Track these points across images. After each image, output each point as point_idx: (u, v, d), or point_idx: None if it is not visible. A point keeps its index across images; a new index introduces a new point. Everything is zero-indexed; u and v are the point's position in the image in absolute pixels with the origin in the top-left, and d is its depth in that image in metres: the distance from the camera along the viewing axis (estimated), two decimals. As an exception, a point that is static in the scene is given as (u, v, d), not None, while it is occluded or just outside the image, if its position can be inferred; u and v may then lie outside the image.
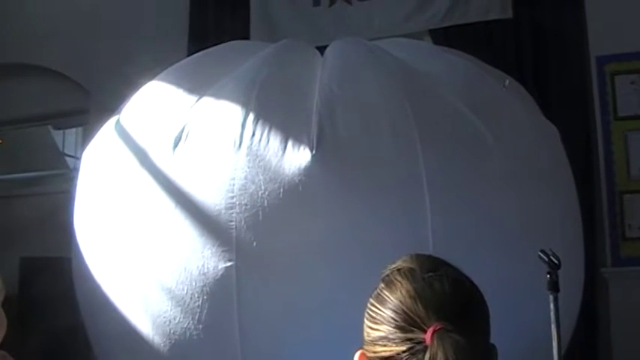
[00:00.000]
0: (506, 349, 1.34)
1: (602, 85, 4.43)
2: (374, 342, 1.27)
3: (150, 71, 3.60)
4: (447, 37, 4.66)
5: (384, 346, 1.25)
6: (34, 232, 5.12)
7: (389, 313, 1.27)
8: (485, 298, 1.34)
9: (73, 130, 6.27)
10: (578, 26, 4.51)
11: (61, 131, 6.32)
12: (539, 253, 2.32)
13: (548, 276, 2.29)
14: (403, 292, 1.28)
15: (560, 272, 2.29)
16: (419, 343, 1.21)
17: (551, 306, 2.29)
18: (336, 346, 2.39)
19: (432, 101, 2.98)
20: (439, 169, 2.75)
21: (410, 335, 1.22)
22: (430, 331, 1.20)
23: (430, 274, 1.30)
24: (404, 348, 1.22)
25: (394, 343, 1.23)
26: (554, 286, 2.29)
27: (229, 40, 3.93)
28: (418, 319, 1.23)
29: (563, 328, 2.39)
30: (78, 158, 5.65)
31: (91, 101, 5.41)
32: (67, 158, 6.33)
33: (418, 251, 1.44)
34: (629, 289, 4.18)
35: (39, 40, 5.67)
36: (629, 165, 4.30)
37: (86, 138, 5.41)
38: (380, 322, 1.27)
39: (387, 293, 1.30)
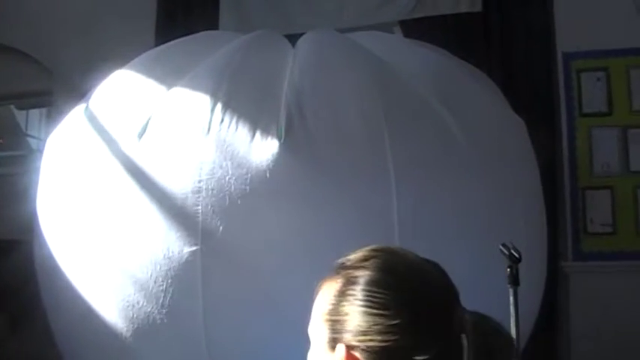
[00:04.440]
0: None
1: (568, 81, 4.46)
2: (381, 332, 1.19)
3: (115, 54, 3.56)
4: (416, 28, 4.65)
5: (402, 333, 1.18)
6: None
7: (403, 295, 1.21)
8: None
9: (37, 110, 6.19)
10: (545, 22, 4.54)
11: (24, 112, 6.22)
12: (500, 247, 2.34)
13: (508, 269, 2.32)
14: (412, 275, 1.25)
15: (522, 265, 2.31)
16: (449, 327, 1.18)
17: (511, 299, 2.32)
18: (301, 330, 2.40)
19: (400, 92, 3.00)
20: (407, 159, 2.78)
21: (436, 318, 1.19)
22: (458, 312, 1.19)
23: (427, 262, 1.29)
24: (430, 335, 1.17)
25: (413, 328, 1.18)
26: (514, 280, 2.31)
27: (197, 22, 3.90)
28: (438, 302, 1.21)
29: (523, 321, 2.41)
30: (41, 139, 5.57)
31: (55, 82, 5.33)
32: (30, 139, 6.24)
33: (384, 238, 1.43)
34: (590, 284, 4.23)
35: (2, 19, 5.57)
36: (592, 161, 4.35)
37: (50, 119, 5.36)
38: (390, 308, 1.20)
39: (392, 280, 1.24)
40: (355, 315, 1.23)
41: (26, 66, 5.51)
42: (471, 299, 1.43)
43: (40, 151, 3.38)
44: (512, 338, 1.21)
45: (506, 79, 4.39)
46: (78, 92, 3.51)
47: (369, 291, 1.24)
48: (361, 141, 2.77)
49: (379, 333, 1.20)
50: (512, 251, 2.33)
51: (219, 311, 2.64)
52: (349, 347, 1.22)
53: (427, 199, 2.76)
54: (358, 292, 1.25)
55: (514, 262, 2.32)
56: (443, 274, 1.28)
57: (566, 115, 4.43)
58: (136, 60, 3.40)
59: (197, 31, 3.84)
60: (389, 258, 1.29)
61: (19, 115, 6.24)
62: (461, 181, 2.85)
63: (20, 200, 3.73)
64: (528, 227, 3.07)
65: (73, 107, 3.38)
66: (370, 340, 1.20)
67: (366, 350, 1.20)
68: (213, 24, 4.91)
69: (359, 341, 1.21)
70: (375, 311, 1.21)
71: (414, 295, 1.22)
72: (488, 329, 1.19)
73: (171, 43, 3.58)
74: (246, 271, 2.63)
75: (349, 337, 1.23)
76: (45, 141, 3.43)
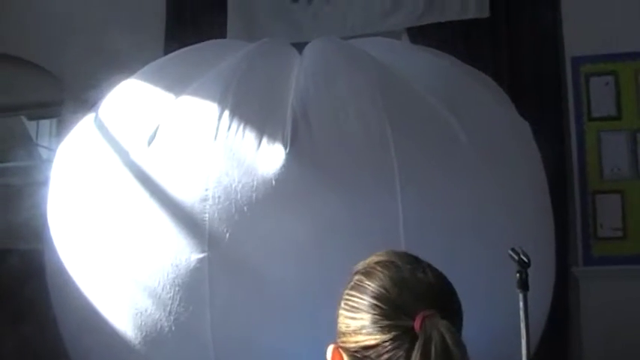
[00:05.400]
0: (474, 343, 1.35)
1: (576, 86, 4.46)
2: (355, 332, 1.26)
3: (125, 63, 3.57)
4: (423, 35, 4.65)
5: (368, 334, 1.24)
6: (5, 224, 5.08)
7: (372, 301, 1.26)
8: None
9: (47, 121, 6.21)
10: (554, 27, 4.53)
11: (35, 122, 6.25)
12: (509, 252, 2.33)
13: (517, 275, 2.31)
14: (386, 281, 1.28)
15: (530, 268, 2.30)
16: (406, 330, 1.21)
17: (521, 304, 2.31)
18: (308, 338, 2.42)
19: (405, 97, 3.02)
20: (411, 164, 2.79)
21: (397, 322, 1.22)
22: (420, 317, 1.20)
23: (412, 265, 1.32)
24: (389, 336, 1.21)
25: (378, 331, 1.23)
26: (523, 285, 2.30)
27: (206, 32, 3.91)
28: (405, 307, 1.23)
29: (533, 324, 2.41)
30: (52, 149, 5.59)
31: (65, 92, 5.36)
32: (41, 149, 6.26)
33: (390, 245, 1.45)
34: (600, 289, 4.21)
35: (13, 29, 5.61)
36: (601, 165, 4.33)
37: (60, 129, 5.38)
38: (361, 311, 1.26)
39: (368, 282, 1.29)
40: (340, 318, 1.31)
41: (36, 76, 5.54)
42: (475, 300, 1.44)
43: (51, 160, 3.40)
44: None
45: (515, 84, 4.39)
46: (88, 102, 3.53)
47: (347, 295, 1.32)
48: (366, 147, 2.79)
49: (352, 334, 1.27)
50: (522, 256, 2.32)
51: (227, 318, 2.65)
52: (337, 347, 1.31)
53: (432, 201, 2.77)
54: (344, 296, 1.33)
55: (523, 267, 2.31)
56: (428, 276, 1.30)
57: (574, 120, 4.42)
58: (144, 69, 3.43)
59: (208, 37, 3.86)
60: (375, 262, 1.34)
61: (30, 126, 6.26)
62: (465, 183, 2.86)
63: (31, 210, 3.75)
64: (535, 228, 3.07)
65: (82, 117, 3.41)
66: (348, 342, 1.28)
67: (346, 350, 1.28)
68: (221, 33, 4.94)
69: (342, 342, 1.30)
70: (348, 314, 1.30)
71: (379, 298, 1.26)
72: (442, 342, 1.18)
73: (178, 52, 3.60)
74: (253, 278, 2.65)
75: (338, 339, 1.31)
76: (55, 151, 3.45)
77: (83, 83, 4.76)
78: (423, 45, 4.21)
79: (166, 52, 4.76)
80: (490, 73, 3.85)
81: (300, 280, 2.60)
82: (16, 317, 4.51)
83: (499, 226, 2.86)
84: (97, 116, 3.23)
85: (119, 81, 3.38)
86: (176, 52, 3.62)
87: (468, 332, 1.30)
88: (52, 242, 3.11)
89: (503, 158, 3.05)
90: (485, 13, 4.58)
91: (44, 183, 3.37)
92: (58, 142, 3.48)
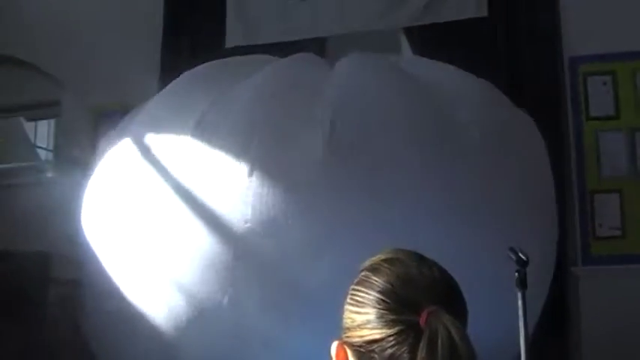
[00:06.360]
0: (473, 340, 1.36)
1: (574, 86, 4.46)
2: (360, 326, 1.26)
3: (122, 66, 3.59)
4: (421, 35, 4.66)
5: (373, 329, 1.23)
6: (4, 225, 5.08)
7: (378, 296, 1.26)
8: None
9: (45, 122, 6.21)
10: (552, 26, 4.53)
11: (33, 123, 6.25)
12: (508, 251, 2.33)
13: (516, 273, 2.30)
14: (392, 276, 1.28)
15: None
16: (411, 325, 1.21)
17: (519, 302, 2.30)
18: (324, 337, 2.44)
19: (425, 102, 3.15)
20: (430, 165, 2.93)
21: (402, 317, 1.22)
22: (425, 313, 1.20)
23: (418, 262, 1.32)
24: (394, 330, 1.21)
25: (383, 325, 1.23)
26: (522, 283, 2.30)
27: (203, 29, 3.92)
28: (410, 302, 1.23)
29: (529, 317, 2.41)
30: (49, 150, 5.59)
31: (64, 93, 5.36)
32: (39, 150, 6.26)
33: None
34: (599, 288, 4.21)
35: (11, 30, 5.60)
36: (600, 165, 4.34)
37: (58, 130, 5.38)
38: (367, 306, 1.26)
39: (374, 278, 1.29)
40: (345, 313, 1.32)
41: (34, 78, 5.54)
42: (475, 297, 1.44)
43: (49, 161, 3.42)
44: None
45: (512, 84, 4.38)
46: (87, 102, 3.54)
47: (353, 290, 1.33)
48: (391, 150, 2.91)
49: (357, 329, 1.27)
50: (520, 254, 2.32)
51: (255, 318, 2.77)
52: (341, 343, 1.30)
53: (449, 202, 2.88)
54: (350, 291, 1.33)
55: (522, 265, 2.31)
56: (433, 272, 1.30)
57: (573, 119, 4.43)
58: (175, 82, 3.52)
59: (203, 40, 3.88)
60: (382, 259, 1.35)
61: (28, 127, 6.26)
62: (467, 179, 2.95)
63: (30, 211, 3.76)
64: (535, 226, 3.10)
65: (80, 119, 3.43)
66: (353, 337, 1.28)
67: (350, 345, 1.28)
68: (219, 36, 4.93)
69: (346, 337, 1.30)
70: (353, 308, 1.30)
71: (385, 293, 1.26)
72: (448, 337, 1.18)
73: (207, 64, 3.65)
74: (280, 281, 2.76)
75: (343, 334, 1.31)
76: (53, 151, 3.47)
77: (82, 84, 4.78)
78: (420, 44, 4.24)
79: (163, 56, 4.79)
80: (488, 74, 3.84)
81: (330, 283, 2.64)
82: (12, 318, 4.52)
83: (496, 221, 2.92)
84: (130, 129, 3.32)
85: (115, 82, 3.40)
86: (204, 66, 3.66)
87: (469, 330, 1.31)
88: (89, 246, 3.21)
89: (509, 158, 3.14)
90: (484, 13, 4.58)
91: (42, 184, 3.38)
92: (56, 142, 3.49)
